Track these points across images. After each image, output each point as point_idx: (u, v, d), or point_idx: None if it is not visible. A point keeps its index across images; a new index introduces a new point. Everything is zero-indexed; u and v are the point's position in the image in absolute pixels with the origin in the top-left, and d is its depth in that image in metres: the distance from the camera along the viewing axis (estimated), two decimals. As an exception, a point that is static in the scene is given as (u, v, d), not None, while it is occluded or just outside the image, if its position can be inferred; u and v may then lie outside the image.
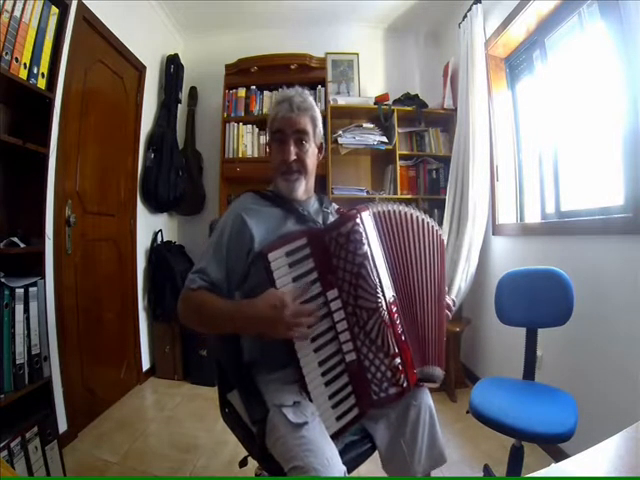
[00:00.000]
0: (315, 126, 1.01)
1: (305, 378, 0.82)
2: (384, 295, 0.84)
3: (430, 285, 0.93)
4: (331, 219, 1.03)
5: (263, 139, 2.62)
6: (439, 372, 0.92)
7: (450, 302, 1.05)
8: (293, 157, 0.97)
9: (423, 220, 0.94)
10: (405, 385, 0.84)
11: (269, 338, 0.80)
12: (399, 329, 0.85)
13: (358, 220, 0.83)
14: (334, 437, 0.80)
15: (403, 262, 0.90)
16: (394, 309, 0.85)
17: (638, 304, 1.21)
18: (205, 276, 0.88)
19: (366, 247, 0.82)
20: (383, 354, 0.83)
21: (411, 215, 0.92)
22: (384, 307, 0.83)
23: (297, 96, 0.99)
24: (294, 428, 0.78)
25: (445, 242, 1.00)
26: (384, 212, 0.90)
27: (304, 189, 1.01)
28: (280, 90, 1.05)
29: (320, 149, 1.07)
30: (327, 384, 0.82)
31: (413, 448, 0.91)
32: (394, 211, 0.91)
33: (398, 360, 0.84)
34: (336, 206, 1.15)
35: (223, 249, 0.91)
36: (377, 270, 0.83)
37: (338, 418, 0.82)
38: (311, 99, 1.02)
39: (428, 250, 0.93)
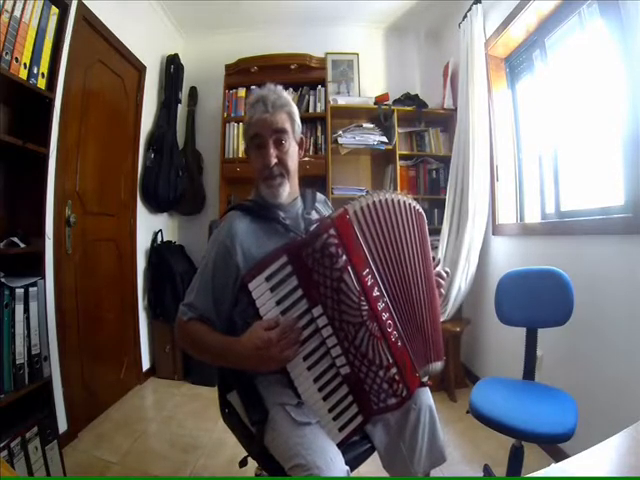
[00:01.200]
0: (293, 122, 0.96)
1: (302, 396, 0.81)
2: (371, 305, 0.80)
3: (420, 271, 0.89)
4: (313, 222, 0.96)
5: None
6: (440, 365, 0.92)
7: (444, 273, 1.00)
8: (274, 161, 0.92)
9: (405, 202, 0.88)
10: (404, 394, 0.83)
11: (263, 372, 0.81)
12: (393, 337, 0.83)
13: (332, 230, 0.78)
14: (337, 447, 0.80)
15: (393, 256, 0.85)
16: (385, 316, 0.82)
17: (638, 304, 1.21)
18: (194, 310, 0.88)
19: (344, 258, 0.78)
20: (376, 367, 0.81)
21: (398, 201, 0.87)
22: (372, 318, 0.80)
23: (271, 94, 0.93)
24: (297, 426, 0.78)
25: (424, 215, 0.93)
26: (367, 206, 0.83)
27: (288, 192, 0.97)
28: (253, 91, 1.02)
29: (300, 145, 1.01)
30: (325, 398, 0.81)
31: (413, 449, 0.91)
32: (378, 201, 0.84)
33: (394, 370, 0.82)
34: (322, 199, 1.11)
35: (209, 282, 0.89)
36: (361, 279, 0.79)
37: (341, 429, 0.82)
38: (286, 94, 0.97)
39: (413, 233, 0.88)
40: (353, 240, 0.81)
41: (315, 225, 0.86)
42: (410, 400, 0.88)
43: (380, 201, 0.85)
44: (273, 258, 0.80)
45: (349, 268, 0.79)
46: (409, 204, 0.90)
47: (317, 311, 0.80)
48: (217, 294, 0.89)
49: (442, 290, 1.00)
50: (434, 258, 0.98)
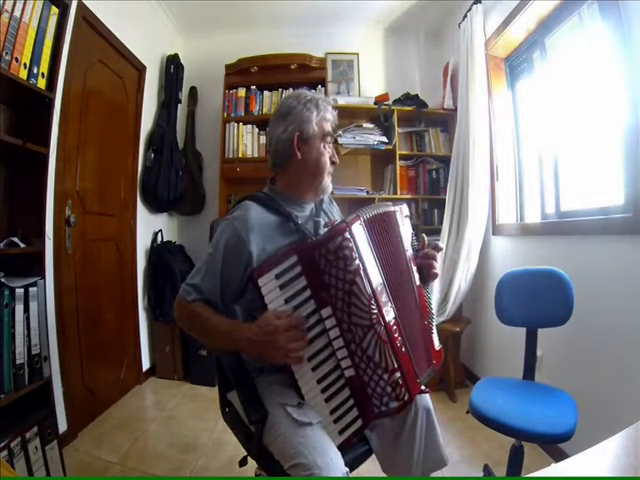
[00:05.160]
0: None
1: (305, 397, 0.82)
2: (379, 309, 0.81)
3: (413, 281, 0.94)
4: (322, 225, 0.99)
5: (263, 139, 2.62)
6: (433, 370, 0.95)
7: (430, 250, 1.00)
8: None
9: (401, 216, 0.95)
10: (407, 398, 0.83)
11: (267, 362, 0.81)
12: (398, 342, 0.83)
13: (347, 234, 0.79)
14: (338, 450, 0.80)
15: (395, 265, 0.89)
16: (392, 321, 0.83)
17: (638, 304, 1.21)
18: (199, 293, 0.88)
19: (357, 262, 0.79)
20: (381, 370, 0.81)
21: (393, 213, 0.93)
22: (380, 322, 0.81)
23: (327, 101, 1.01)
24: (298, 426, 0.78)
25: (398, 214, 0.98)
26: (373, 217, 0.87)
27: None
28: (302, 90, 1.03)
29: None
30: (327, 400, 0.82)
31: (411, 452, 0.91)
32: (379, 214, 0.90)
33: (398, 375, 0.82)
34: (327, 198, 1.11)
35: (218, 268, 0.89)
36: (371, 283, 0.81)
37: (341, 432, 0.82)
38: None
39: (403, 242, 0.94)
40: (365, 245, 0.83)
41: (328, 228, 0.88)
42: (411, 405, 0.89)
43: (385, 213, 0.90)
44: (283, 257, 0.81)
45: (361, 272, 0.80)
46: (405, 216, 0.97)
47: (326, 312, 0.81)
48: (225, 280, 0.89)
49: (436, 270, 0.99)
50: (418, 238, 1.02)
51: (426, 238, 1.01)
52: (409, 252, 0.95)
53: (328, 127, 0.98)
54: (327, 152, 0.99)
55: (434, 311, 1.04)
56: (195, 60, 2.91)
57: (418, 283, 0.96)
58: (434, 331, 1.00)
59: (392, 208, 0.93)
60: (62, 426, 1.61)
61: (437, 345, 1.00)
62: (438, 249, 1.01)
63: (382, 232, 0.88)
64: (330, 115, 0.99)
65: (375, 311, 0.80)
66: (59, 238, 1.71)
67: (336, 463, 0.74)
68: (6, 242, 1.26)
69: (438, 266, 0.99)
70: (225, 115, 2.66)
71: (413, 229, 1.02)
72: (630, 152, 1.28)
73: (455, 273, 2.19)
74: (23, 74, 1.27)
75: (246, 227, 0.88)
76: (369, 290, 0.80)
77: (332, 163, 1.00)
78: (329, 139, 0.99)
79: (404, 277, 0.92)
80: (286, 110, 0.96)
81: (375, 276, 0.83)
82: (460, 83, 2.33)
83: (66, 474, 1.41)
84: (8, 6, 1.20)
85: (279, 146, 0.96)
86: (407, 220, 0.99)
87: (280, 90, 2.65)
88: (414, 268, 0.96)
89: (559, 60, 1.78)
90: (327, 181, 1.00)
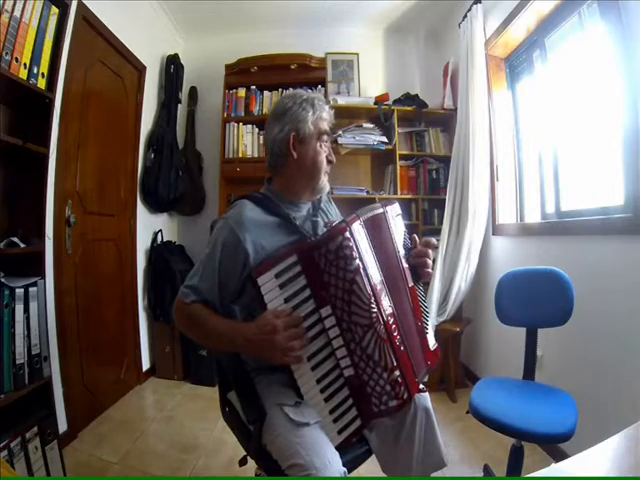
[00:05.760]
0: None
1: (304, 396, 0.82)
2: (379, 308, 0.81)
3: (404, 277, 0.93)
4: (321, 225, 1.00)
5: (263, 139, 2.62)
6: (428, 370, 0.96)
7: (422, 249, 0.98)
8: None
9: (384, 213, 0.93)
10: (406, 397, 0.84)
11: (267, 361, 0.81)
12: (397, 340, 0.84)
13: (347, 234, 0.80)
14: (337, 450, 0.80)
15: (389, 265, 0.89)
16: (391, 320, 0.84)
17: (638, 304, 1.21)
18: (197, 294, 0.88)
19: (357, 261, 0.80)
20: (381, 369, 0.82)
21: (382, 214, 0.92)
22: (380, 321, 0.81)
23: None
24: (295, 427, 0.78)
25: (388, 214, 0.95)
26: (371, 217, 0.88)
27: None
28: (298, 90, 1.03)
29: None
30: (326, 400, 0.82)
31: (410, 453, 0.91)
32: (377, 214, 0.90)
33: (397, 373, 0.82)
34: (324, 197, 1.10)
35: (215, 268, 0.88)
36: (371, 282, 0.81)
37: (340, 431, 0.82)
38: None
39: (395, 242, 0.93)
40: (364, 245, 0.83)
41: (328, 228, 0.89)
42: (411, 403, 0.89)
43: (376, 214, 0.90)
44: (283, 256, 0.81)
45: (361, 271, 0.80)
46: (396, 215, 0.97)
47: (325, 311, 0.81)
48: (222, 279, 0.88)
49: (429, 269, 0.99)
50: (413, 240, 1.00)
51: (417, 238, 1.00)
52: (401, 252, 0.94)
53: (324, 126, 0.98)
54: (324, 151, 0.98)
55: (428, 310, 1.03)
56: (195, 60, 2.91)
57: (411, 284, 0.96)
58: (428, 331, 1.00)
59: (381, 209, 0.92)
60: (62, 426, 1.61)
61: (432, 345, 1.00)
62: (431, 246, 0.99)
63: (377, 232, 0.88)
64: (326, 114, 0.98)
65: (375, 310, 0.81)
66: (59, 238, 1.71)
67: (333, 463, 0.74)
68: (6, 242, 1.27)
69: (431, 264, 0.98)
70: (225, 115, 2.66)
71: (413, 229, 1.01)
72: (630, 152, 1.28)
73: (455, 273, 2.19)
74: (23, 74, 1.27)
75: (241, 226, 0.88)
76: (369, 289, 0.80)
77: (329, 162, 0.99)
78: (325, 138, 0.98)
79: (398, 277, 0.92)
80: (282, 110, 0.96)
81: (375, 275, 0.83)
82: (460, 83, 2.33)
83: (66, 474, 1.41)
84: (8, 6, 1.20)
85: (275, 146, 0.96)
86: (399, 219, 0.98)
87: (280, 90, 2.65)
88: (407, 268, 0.95)
89: (559, 60, 1.78)
90: (324, 180, 1.00)
